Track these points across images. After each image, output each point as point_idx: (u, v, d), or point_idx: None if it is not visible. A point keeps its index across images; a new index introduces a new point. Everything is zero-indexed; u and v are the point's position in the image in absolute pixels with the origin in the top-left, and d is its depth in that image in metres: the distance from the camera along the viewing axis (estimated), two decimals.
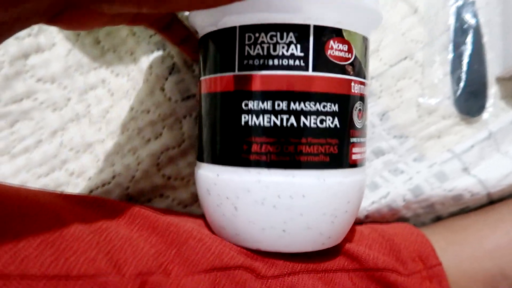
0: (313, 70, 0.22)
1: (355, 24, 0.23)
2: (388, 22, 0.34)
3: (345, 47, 0.23)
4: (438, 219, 0.34)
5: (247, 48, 0.22)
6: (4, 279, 0.19)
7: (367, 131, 0.28)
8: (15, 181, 0.30)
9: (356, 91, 0.24)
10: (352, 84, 0.24)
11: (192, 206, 0.32)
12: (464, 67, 0.34)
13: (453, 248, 0.30)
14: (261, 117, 0.22)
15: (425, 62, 0.34)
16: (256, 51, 0.22)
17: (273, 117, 0.22)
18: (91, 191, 0.30)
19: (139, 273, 0.22)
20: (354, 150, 0.24)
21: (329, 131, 0.23)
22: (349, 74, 0.23)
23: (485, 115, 0.33)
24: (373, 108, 0.33)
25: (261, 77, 0.22)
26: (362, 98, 0.25)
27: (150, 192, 0.31)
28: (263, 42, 0.22)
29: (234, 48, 0.23)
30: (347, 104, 0.23)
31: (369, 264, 0.27)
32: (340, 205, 0.24)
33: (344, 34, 0.23)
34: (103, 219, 0.23)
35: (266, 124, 0.22)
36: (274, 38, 0.22)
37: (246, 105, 0.23)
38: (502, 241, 0.30)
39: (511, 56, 0.33)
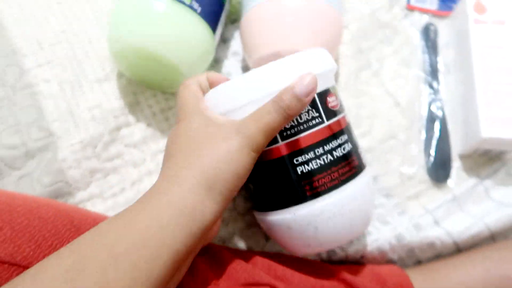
0: (327, 120, 0.32)
1: (331, 81, 0.34)
2: (379, 112, 0.47)
3: (334, 98, 0.33)
4: (419, 263, 0.44)
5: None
6: None
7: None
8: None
9: (347, 121, 0.34)
10: (345, 117, 0.34)
11: (229, 243, 0.42)
12: (434, 146, 0.45)
13: (426, 282, 0.40)
14: (310, 164, 0.31)
15: (406, 141, 0.46)
16: (289, 124, 0.31)
17: (317, 161, 0.31)
18: None
19: None
20: (362, 156, 0.35)
21: (349, 152, 0.33)
22: (341, 113, 0.34)
23: (450, 182, 0.44)
24: None
25: (298, 139, 0.31)
26: (349, 123, 0.35)
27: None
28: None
29: None
30: (348, 132, 0.34)
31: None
32: (370, 198, 0.35)
33: (331, 90, 0.33)
34: None
35: (315, 167, 0.31)
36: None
37: (297, 160, 0.31)
38: (464, 279, 0.40)
39: (469, 138, 0.44)
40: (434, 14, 0.51)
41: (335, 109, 0.33)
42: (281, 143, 0.31)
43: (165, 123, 0.45)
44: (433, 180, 0.44)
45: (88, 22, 0.48)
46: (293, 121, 0.31)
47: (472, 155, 0.45)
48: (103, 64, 0.46)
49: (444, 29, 0.51)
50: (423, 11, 0.51)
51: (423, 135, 0.46)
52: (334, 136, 0.32)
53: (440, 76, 0.48)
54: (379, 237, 0.42)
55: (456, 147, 0.46)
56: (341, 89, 0.47)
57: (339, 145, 0.32)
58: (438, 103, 0.47)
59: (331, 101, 0.33)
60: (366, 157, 0.45)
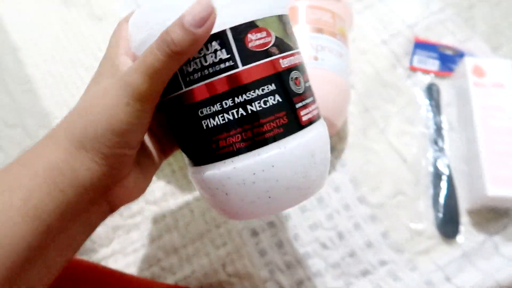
0: (242, 65, 0.25)
1: (265, 10, 0.26)
2: (386, 168, 0.49)
3: (263, 34, 0.25)
4: None
5: (184, 67, 0.25)
6: None
7: (312, 89, 0.29)
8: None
9: (286, 65, 0.26)
10: (281, 61, 0.26)
11: None
12: (441, 201, 0.47)
13: None
14: (216, 118, 0.25)
15: (413, 197, 0.48)
16: (192, 66, 0.25)
17: (225, 115, 0.25)
18: (176, 283, 0.43)
19: None
20: (302, 113, 0.27)
21: (274, 107, 0.25)
22: (275, 55, 0.26)
23: (460, 238, 0.46)
24: (377, 229, 0.46)
25: (203, 87, 0.25)
26: (296, 67, 0.27)
27: (216, 285, 0.43)
28: (194, 58, 0.25)
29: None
30: (282, 79, 0.26)
31: None
32: (306, 162, 0.27)
33: (258, 23, 0.25)
34: None
35: (222, 122, 0.25)
36: (202, 52, 0.25)
37: (202, 112, 0.25)
38: None
39: (477, 195, 0.46)
40: (436, 74, 0.55)
41: (261, 49, 0.25)
42: (184, 90, 0.26)
43: (184, 180, 0.47)
44: (443, 236, 0.45)
45: None
46: (197, 64, 0.25)
47: (480, 211, 0.47)
48: None
49: (446, 88, 0.54)
50: (426, 71, 0.55)
51: (431, 191, 0.48)
52: (251, 85, 0.25)
53: (445, 133, 0.51)
54: None
55: (464, 202, 0.47)
56: (349, 146, 0.50)
57: (259, 97, 0.25)
58: (444, 160, 0.49)
59: (254, 38, 0.25)
60: (376, 212, 0.47)
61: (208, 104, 0.25)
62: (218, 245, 0.44)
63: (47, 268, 0.25)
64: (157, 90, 0.24)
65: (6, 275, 0.22)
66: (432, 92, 0.53)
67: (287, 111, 0.26)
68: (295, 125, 0.26)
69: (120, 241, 0.44)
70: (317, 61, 0.44)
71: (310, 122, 0.27)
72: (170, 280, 0.43)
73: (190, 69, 0.25)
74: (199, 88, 0.25)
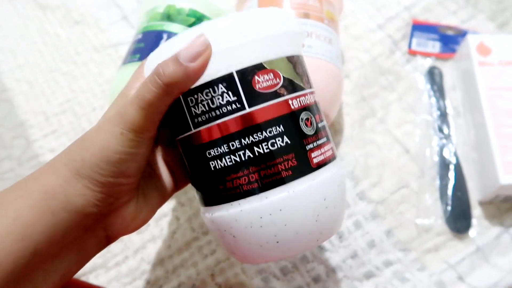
0: (249, 106, 0.25)
1: (271, 53, 0.26)
2: (387, 160, 0.45)
3: (271, 75, 0.25)
4: None
5: (192, 109, 0.26)
6: None
7: (327, 129, 0.29)
8: None
9: (296, 106, 0.26)
10: (290, 102, 0.26)
11: None
12: (450, 194, 0.43)
13: None
14: (223, 159, 0.25)
15: (419, 190, 0.44)
16: (200, 109, 0.25)
17: (232, 157, 0.25)
18: None
19: None
20: (313, 154, 0.26)
21: (282, 149, 0.25)
22: (283, 96, 0.25)
23: (472, 232, 0.41)
24: (380, 227, 0.42)
25: (210, 128, 0.25)
26: (307, 107, 0.27)
27: None
28: (202, 100, 0.25)
29: (184, 111, 0.26)
30: (291, 121, 0.25)
31: None
32: (317, 205, 0.26)
33: (265, 65, 0.25)
34: None
35: (229, 163, 0.25)
36: (210, 94, 0.25)
37: (209, 153, 0.25)
38: None
39: (489, 185, 0.41)
40: (437, 57, 0.50)
41: (268, 91, 0.25)
42: (193, 131, 0.26)
43: None
44: (453, 231, 0.41)
45: (92, 91, 0.50)
46: (204, 106, 0.25)
47: (493, 201, 0.42)
48: None
49: (449, 71, 0.49)
50: (426, 55, 0.51)
51: (437, 183, 0.44)
52: (258, 127, 0.25)
53: (450, 119, 0.47)
54: None
55: (475, 193, 0.43)
56: (346, 139, 0.46)
57: (266, 139, 0.25)
58: (451, 148, 0.45)
59: (262, 80, 0.25)
60: (378, 209, 0.43)
61: (215, 145, 0.25)
62: (206, 254, 0.41)
63: None
64: (151, 121, 0.25)
65: None
66: (434, 76, 0.49)
67: (296, 153, 0.25)
68: (305, 167, 0.26)
69: (101, 254, 0.40)
70: (303, 48, 0.41)
71: (323, 163, 0.27)
72: None
73: (198, 111, 0.25)
74: (207, 130, 0.25)
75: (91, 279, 0.40)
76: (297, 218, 0.25)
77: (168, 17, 0.41)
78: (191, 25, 0.41)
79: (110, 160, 0.24)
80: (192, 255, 0.41)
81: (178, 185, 0.31)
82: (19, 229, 0.23)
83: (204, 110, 0.25)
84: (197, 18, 0.41)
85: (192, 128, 0.26)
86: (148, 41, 0.40)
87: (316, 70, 0.41)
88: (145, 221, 0.29)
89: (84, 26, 0.55)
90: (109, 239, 0.28)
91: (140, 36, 0.42)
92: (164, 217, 0.43)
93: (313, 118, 0.27)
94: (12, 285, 0.23)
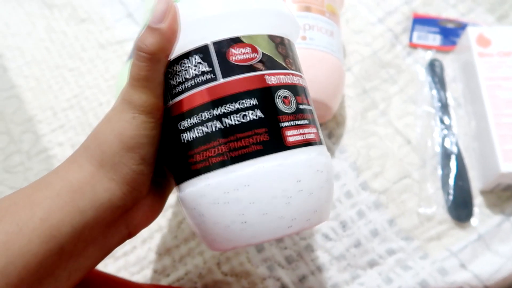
0: (223, 77, 0.24)
1: (251, 28, 0.25)
2: (389, 151, 0.46)
3: (248, 49, 0.25)
4: None
5: (170, 81, 0.26)
6: None
7: (313, 115, 0.28)
8: None
9: (273, 82, 0.25)
10: (266, 77, 0.25)
11: None
12: (451, 183, 0.43)
13: None
14: (194, 131, 0.24)
15: (421, 180, 0.44)
16: (176, 80, 0.25)
17: (203, 128, 0.24)
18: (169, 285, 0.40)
19: None
20: (289, 133, 0.25)
21: (254, 123, 0.24)
22: (259, 70, 0.25)
23: (474, 220, 0.42)
24: (382, 216, 0.43)
25: (184, 99, 0.25)
26: (287, 86, 0.26)
27: (212, 285, 0.41)
28: (179, 71, 0.25)
29: (164, 84, 0.26)
30: (266, 95, 0.25)
31: None
32: (288, 186, 0.24)
33: (243, 39, 0.25)
34: None
35: (199, 135, 0.24)
36: (185, 65, 0.25)
37: (181, 125, 0.25)
38: None
39: (489, 173, 0.42)
40: (437, 49, 0.51)
41: (243, 63, 0.25)
42: (169, 103, 0.26)
43: None
44: (455, 220, 0.42)
45: (98, 87, 0.50)
46: (180, 77, 0.25)
47: (494, 190, 0.43)
48: None
49: (449, 63, 0.50)
50: (426, 47, 0.51)
51: (439, 173, 0.44)
52: (230, 98, 0.24)
53: (451, 110, 0.47)
54: (401, 284, 0.40)
55: (476, 182, 0.44)
56: (348, 130, 0.47)
57: (237, 110, 0.24)
58: (452, 138, 0.46)
59: (238, 53, 0.25)
60: (381, 198, 0.43)
61: (187, 116, 0.25)
62: None
63: None
64: (155, 95, 0.25)
65: None
66: (434, 68, 0.50)
67: (269, 128, 0.24)
68: (277, 144, 0.24)
69: None
70: (305, 41, 0.41)
71: (300, 144, 0.25)
72: (163, 283, 0.41)
73: (175, 82, 0.25)
74: (181, 101, 0.25)
75: (100, 268, 0.40)
76: (265, 196, 0.24)
77: None
78: None
79: (128, 146, 0.24)
80: (198, 244, 0.42)
81: None
82: (47, 230, 0.23)
83: (180, 81, 0.25)
84: None
85: (170, 100, 0.25)
86: None
87: (318, 62, 0.41)
88: (159, 211, 0.29)
89: (90, 23, 0.56)
90: (129, 234, 0.28)
91: None
92: (170, 207, 0.44)
93: (292, 98, 0.26)
94: (36, 285, 0.23)
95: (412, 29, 0.52)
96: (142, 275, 0.41)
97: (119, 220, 0.26)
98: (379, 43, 0.52)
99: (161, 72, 0.25)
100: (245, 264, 0.41)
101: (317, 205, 0.26)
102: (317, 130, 0.28)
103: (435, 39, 0.52)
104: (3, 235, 0.22)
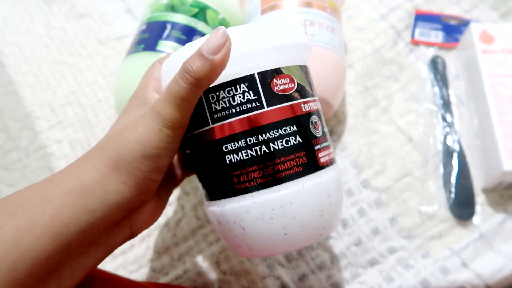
0: (267, 106, 0.27)
1: (289, 59, 0.29)
2: (391, 149, 0.45)
3: (287, 80, 0.28)
4: None
5: (213, 105, 0.27)
6: None
7: (328, 135, 0.31)
8: None
9: (306, 110, 0.29)
10: (302, 105, 0.28)
11: None
12: (453, 181, 0.43)
13: None
14: (240, 153, 0.27)
15: (422, 178, 0.44)
16: (220, 105, 0.27)
17: (248, 151, 0.27)
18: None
19: None
20: (320, 154, 0.29)
21: (294, 147, 0.27)
22: (296, 99, 0.28)
23: (476, 219, 0.41)
24: (384, 215, 0.42)
25: (230, 124, 0.27)
26: (314, 112, 0.29)
27: (211, 284, 0.40)
28: (224, 97, 0.27)
29: (203, 107, 0.28)
30: (302, 122, 0.28)
31: None
32: (323, 201, 0.28)
33: (283, 70, 0.28)
34: None
35: (245, 157, 0.27)
36: (231, 92, 0.27)
37: (226, 148, 0.27)
38: None
39: (492, 171, 0.41)
40: (440, 46, 0.51)
41: (285, 93, 0.28)
42: (211, 126, 0.27)
43: None
44: (457, 218, 0.42)
45: (97, 83, 0.50)
46: (225, 103, 0.27)
47: (496, 189, 0.42)
48: (112, 121, 0.47)
49: (452, 60, 0.50)
50: (429, 44, 0.51)
51: (441, 171, 0.44)
52: (275, 125, 0.27)
53: (453, 108, 0.47)
54: (402, 283, 0.39)
55: (478, 181, 0.43)
56: (349, 128, 0.46)
57: (281, 136, 0.27)
58: (454, 136, 0.45)
59: (279, 83, 0.28)
60: (382, 197, 0.43)
61: (232, 140, 0.27)
62: (211, 242, 0.41)
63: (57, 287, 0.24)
64: (186, 116, 0.26)
65: None
66: (437, 65, 0.49)
67: (307, 151, 0.28)
68: (313, 165, 0.28)
69: None
70: (306, 37, 0.41)
71: (327, 164, 0.29)
72: (161, 281, 0.40)
73: (219, 107, 0.27)
74: (226, 125, 0.27)
75: (98, 266, 0.40)
76: (305, 211, 0.27)
77: (171, 7, 0.41)
78: (194, 15, 0.41)
79: (149, 155, 0.25)
80: (197, 243, 0.41)
81: (181, 177, 0.33)
82: (56, 228, 0.23)
83: (225, 106, 0.27)
84: (201, 8, 0.41)
85: (210, 124, 0.27)
86: (152, 32, 0.41)
87: (319, 58, 0.41)
88: (161, 213, 0.30)
89: (89, 19, 0.55)
90: (132, 235, 0.29)
91: (144, 27, 0.42)
92: (169, 206, 0.43)
93: (319, 122, 0.29)
94: (41, 281, 0.23)
95: (414, 26, 0.51)
96: (141, 274, 0.41)
97: (123, 221, 0.27)
98: (381, 40, 0.51)
99: (198, 96, 0.26)
100: (245, 262, 0.40)
101: (339, 213, 0.30)
102: (332, 148, 0.31)
103: (438, 36, 0.51)
104: (14, 230, 0.22)
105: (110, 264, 0.41)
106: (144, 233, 0.42)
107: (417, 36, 0.51)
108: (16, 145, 0.46)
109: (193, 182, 0.44)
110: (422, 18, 0.52)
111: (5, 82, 0.50)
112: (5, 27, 0.55)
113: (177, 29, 0.40)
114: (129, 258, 0.41)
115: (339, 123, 0.47)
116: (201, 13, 0.41)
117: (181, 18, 0.41)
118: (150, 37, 0.41)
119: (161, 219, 0.43)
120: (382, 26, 0.52)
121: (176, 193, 0.44)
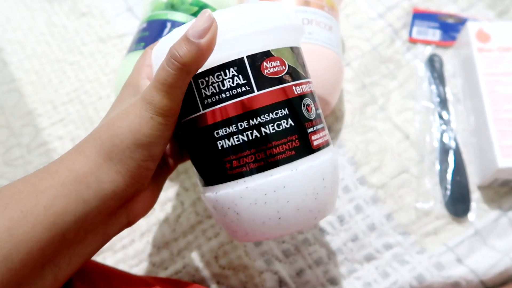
0: (258, 90, 0.26)
1: (279, 42, 0.28)
2: (388, 146, 0.46)
3: (277, 63, 0.27)
4: None
5: (202, 91, 0.27)
6: None
7: (322, 117, 0.31)
8: None
9: (299, 92, 0.28)
10: (294, 88, 0.28)
11: None
12: (449, 178, 0.43)
13: None
14: (231, 139, 0.26)
15: (419, 175, 0.44)
16: (211, 90, 0.27)
17: (240, 136, 0.26)
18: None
19: None
20: (314, 137, 0.28)
21: (287, 131, 0.27)
22: (288, 82, 0.27)
23: (471, 215, 0.42)
24: (380, 211, 0.43)
25: (220, 109, 0.26)
26: (307, 94, 0.29)
27: (209, 279, 0.41)
28: (213, 82, 0.27)
29: (194, 93, 0.27)
30: (294, 105, 0.27)
31: None
32: (317, 184, 0.28)
33: (273, 52, 0.27)
34: None
35: (237, 142, 0.26)
36: (221, 77, 0.26)
37: (217, 133, 0.27)
38: None
39: (487, 169, 0.42)
40: (437, 45, 0.51)
41: (275, 76, 0.27)
42: (202, 112, 0.27)
43: (173, 173, 0.45)
44: (452, 215, 0.42)
45: (98, 81, 0.51)
46: (215, 88, 0.26)
47: (491, 186, 0.43)
48: None
49: (449, 59, 0.50)
50: (426, 42, 0.51)
51: (437, 168, 0.44)
52: (266, 109, 0.27)
53: (450, 106, 0.47)
54: (397, 278, 0.40)
55: (474, 178, 0.44)
56: (347, 125, 0.47)
57: (273, 120, 0.27)
58: (450, 133, 0.46)
59: (269, 66, 0.27)
60: (378, 193, 0.43)
61: (224, 125, 0.26)
62: (210, 237, 0.42)
63: (54, 276, 0.25)
64: (176, 103, 0.26)
65: (15, 278, 0.23)
66: (434, 64, 0.50)
67: (299, 134, 0.27)
68: (306, 148, 0.27)
69: None
70: (304, 35, 0.41)
71: (321, 147, 0.28)
72: (161, 276, 0.41)
73: (208, 93, 0.26)
74: (216, 111, 0.26)
75: (99, 261, 0.41)
76: (299, 195, 0.27)
77: (172, 6, 0.42)
78: (194, 14, 0.42)
79: (141, 143, 0.25)
80: (196, 238, 0.42)
81: (175, 163, 0.33)
82: (50, 218, 0.23)
83: (214, 92, 0.26)
84: (200, 7, 0.42)
85: (201, 109, 0.27)
86: (153, 30, 0.41)
87: (316, 56, 0.41)
88: (156, 200, 0.31)
89: (90, 17, 0.56)
90: (128, 223, 0.29)
91: (144, 25, 0.43)
92: (169, 201, 0.44)
93: (312, 105, 0.29)
94: (37, 270, 0.24)
95: (412, 24, 0.52)
96: (141, 268, 0.41)
97: (119, 210, 0.27)
98: (378, 38, 0.52)
99: (187, 82, 0.25)
100: (243, 257, 0.41)
101: (334, 197, 0.30)
102: (327, 131, 0.31)
103: (435, 34, 0.52)
104: (7, 221, 0.23)
105: (111, 259, 0.41)
106: (144, 228, 0.43)
107: (414, 35, 0.52)
108: (18, 141, 0.47)
109: (192, 179, 0.45)
110: (419, 16, 0.52)
111: (7, 79, 0.51)
112: (7, 25, 0.56)
113: (177, 27, 0.41)
114: (129, 253, 0.42)
115: (336, 121, 0.47)
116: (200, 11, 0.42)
117: (181, 17, 0.41)
118: (150, 35, 0.41)
119: (161, 215, 0.43)
120: (380, 24, 0.52)
121: (175, 189, 0.44)
